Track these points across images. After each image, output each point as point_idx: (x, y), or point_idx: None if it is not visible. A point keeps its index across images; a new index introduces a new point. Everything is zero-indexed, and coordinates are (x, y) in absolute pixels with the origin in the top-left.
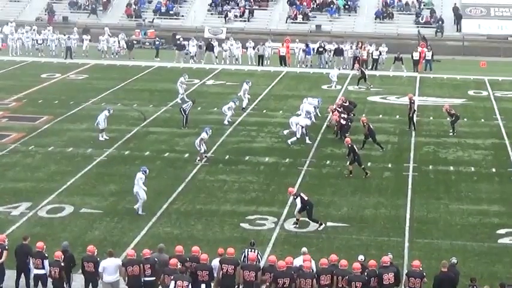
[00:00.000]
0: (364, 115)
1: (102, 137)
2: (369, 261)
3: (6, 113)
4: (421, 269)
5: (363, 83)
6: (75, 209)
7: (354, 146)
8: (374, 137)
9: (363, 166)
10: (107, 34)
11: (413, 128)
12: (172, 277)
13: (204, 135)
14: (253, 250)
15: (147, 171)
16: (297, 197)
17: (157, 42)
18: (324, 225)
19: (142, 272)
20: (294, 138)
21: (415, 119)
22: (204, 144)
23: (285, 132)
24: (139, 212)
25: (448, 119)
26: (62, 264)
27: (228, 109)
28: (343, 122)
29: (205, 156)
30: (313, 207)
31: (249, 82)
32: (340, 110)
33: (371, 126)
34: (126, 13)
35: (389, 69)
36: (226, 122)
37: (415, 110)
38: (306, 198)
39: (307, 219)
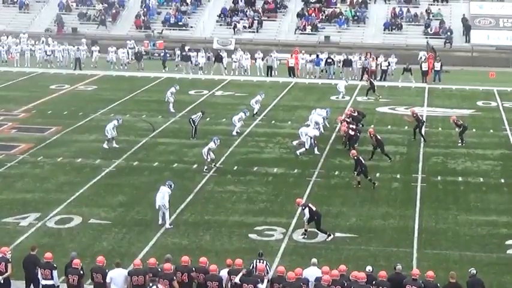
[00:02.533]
0: (372, 126)
1: (107, 145)
2: (378, 272)
3: (15, 124)
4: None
5: (371, 94)
6: (84, 220)
7: (360, 158)
8: (382, 148)
9: (369, 178)
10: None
11: (423, 140)
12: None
13: (211, 144)
14: (261, 261)
15: (173, 185)
16: (305, 208)
17: (162, 54)
18: (332, 236)
19: (147, 281)
20: (303, 149)
21: (423, 130)
22: (211, 153)
23: (294, 143)
24: (167, 225)
25: (456, 129)
26: (81, 272)
27: (238, 120)
28: (352, 133)
29: (214, 165)
30: (321, 218)
31: (263, 94)
32: (348, 120)
33: (378, 137)
34: (135, 24)
35: (398, 80)
36: (234, 133)
37: (423, 122)
38: (314, 208)
39: (315, 229)
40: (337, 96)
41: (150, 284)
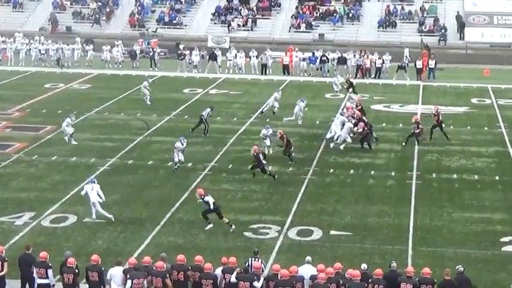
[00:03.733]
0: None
1: (67, 139)
2: (374, 269)
3: (10, 123)
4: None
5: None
6: (79, 219)
7: (260, 156)
8: (289, 150)
9: (268, 173)
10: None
11: (446, 137)
12: (128, 275)
13: (177, 144)
14: (257, 259)
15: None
16: (204, 197)
17: (151, 53)
18: (211, 225)
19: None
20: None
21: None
22: (180, 154)
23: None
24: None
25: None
26: (76, 270)
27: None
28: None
29: (177, 167)
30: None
31: (280, 92)
32: (364, 119)
33: (289, 139)
34: (129, 23)
35: (392, 78)
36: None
37: (442, 121)
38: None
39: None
40: (332, 93)
41: (127, 276)
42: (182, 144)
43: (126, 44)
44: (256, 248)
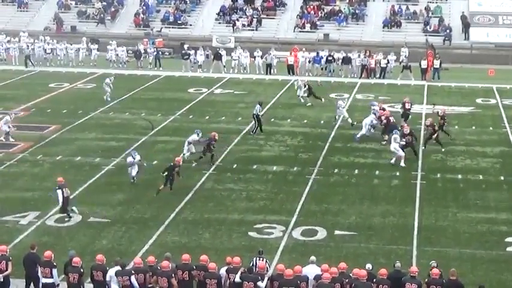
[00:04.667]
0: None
1: (5, 139)
2: (378, 269)
3: (15, 123)
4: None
5: (313, 99)
6: (83, 218)
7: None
8: (207, 152)
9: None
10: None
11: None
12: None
13: (129, 159)
14: (261, 259)
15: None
16: (58, 189)
17: (155, 53)
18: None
19: (148, 280)
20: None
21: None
22: (134, 168)
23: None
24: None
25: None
26: (82, 270)
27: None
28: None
29: (132, 181)
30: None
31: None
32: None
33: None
34: (134, 22)
35: (397, 78)
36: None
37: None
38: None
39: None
40: (337, 93)
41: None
42: (134, 159)
43: (131, 43)
44: (260, 248)
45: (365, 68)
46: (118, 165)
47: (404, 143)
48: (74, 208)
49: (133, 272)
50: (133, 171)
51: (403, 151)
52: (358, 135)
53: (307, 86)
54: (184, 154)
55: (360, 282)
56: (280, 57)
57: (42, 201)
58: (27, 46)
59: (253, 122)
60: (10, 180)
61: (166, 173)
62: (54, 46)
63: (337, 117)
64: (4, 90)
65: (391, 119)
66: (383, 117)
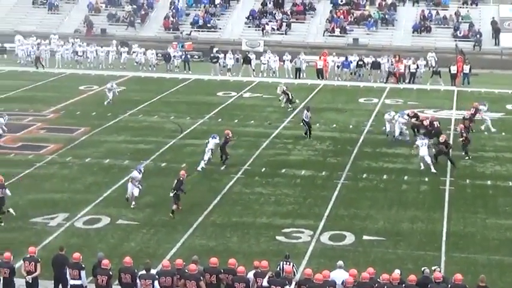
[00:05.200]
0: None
1: None
2: (407, 275)
3: (44, 125)
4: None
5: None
6: (112, 220)
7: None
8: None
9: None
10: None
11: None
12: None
13: (135, 173)
14: (288, 263)
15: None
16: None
17: (184, 56)
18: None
19: (175, 283)
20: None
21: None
22: (136, 185)
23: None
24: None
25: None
26: (110, 272)
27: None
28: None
29: (132, 204)
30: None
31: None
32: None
33: None
34: (163, 26)
35: (426, 83)
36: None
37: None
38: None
39: (341, 231)
40: (366, 98)
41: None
42: (139, 174)
43: (161, 47)
44: (287, 252)
45: (393, 74)
46: (147, 168)
47: (434, 150)
48: (10, 210)
49: (157, 276)
50: (136, 191)
51: (436, 159)
52: (397, 135)
53: (284, 93)
54: (204, 161)
55: (392, 285)
56: (310, 61)
57: (71, 203)
58: (38, 47)
59: (304, 126)
60: (39, 182)
61: (174, 191)
62: (84, 49)
63: (386, 130)
64: (34, 92)
65: (436, 123)
66: (426, 122)
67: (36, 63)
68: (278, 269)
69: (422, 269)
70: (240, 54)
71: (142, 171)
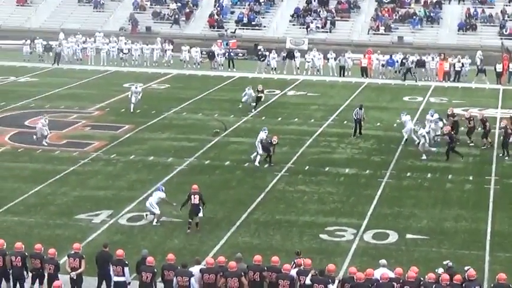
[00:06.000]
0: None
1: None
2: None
3: (89, 122)
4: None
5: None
6: (156, 218)
7: None
8: None
9: None
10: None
11: (506, 154)
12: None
13: (161, 194)
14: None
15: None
16: None
17: (228, 54)
18: None
19: (218, 280)
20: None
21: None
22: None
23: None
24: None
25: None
26: (155, 270)
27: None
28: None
29: (155, 221)
30: None
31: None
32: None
33: None
34: (208, 23)
35: (472, 82)
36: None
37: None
38: None
39: (385, 230)
40: (410, 96)
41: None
42: (163, 192)
43: (205, 44)
44: (298, 250)
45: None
46: (190, 166)
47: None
48: None
49: (193, 273)
50: (157, 210)
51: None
52: (433, 149)
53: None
54: (260, 155)
55: (441, 286)
56: (354, 59)
57: (115, 200)
58: (59, 44)
59: (355, 125)
60: (84, 179)
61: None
62: (130, 46)
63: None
64: (79, 90)
65: (488, 124)
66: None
67: (55, 60)
68: (292, 265)
69: (466, 268)
70: (285, 50)
71: (163, 189)
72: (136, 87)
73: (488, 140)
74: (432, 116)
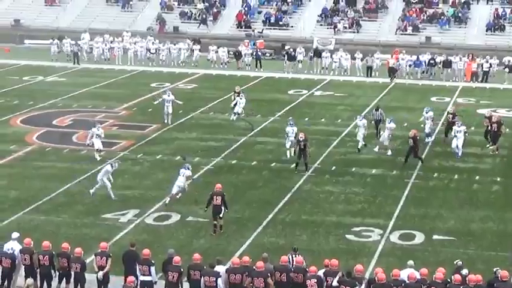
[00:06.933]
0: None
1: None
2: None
3: (117, 121)
4: None
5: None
6: (182, 217)
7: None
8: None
9: None
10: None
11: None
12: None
13: (188, 172)
14: (296, 255)
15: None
16: None
17: (255, 54)
18: None
19: (244, 280)
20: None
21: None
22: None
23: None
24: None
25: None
26: (182, 269)
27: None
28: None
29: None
30: None
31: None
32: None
33: None
34: (236, 23)
35: (503, 82)
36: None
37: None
38: None
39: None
40: (438, 97)
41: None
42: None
43: (232, 44)
44: (295, 246)
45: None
46: (217, 165)
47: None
48: None
49: (226, 273)
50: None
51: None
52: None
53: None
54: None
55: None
56: (382, 59)
57: (142, 200)
58: (77, 44)
59: (375, 126)
60: (111, 178)
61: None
62: (157, 46)
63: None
64: (107, 89)
65: (503, 127)
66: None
67: (75, 59)
68: (289, 262)
69: (494, 269)
70: (312, 50)
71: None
72: (169, 95)
73: (496, 146)
74: (427, 112)
